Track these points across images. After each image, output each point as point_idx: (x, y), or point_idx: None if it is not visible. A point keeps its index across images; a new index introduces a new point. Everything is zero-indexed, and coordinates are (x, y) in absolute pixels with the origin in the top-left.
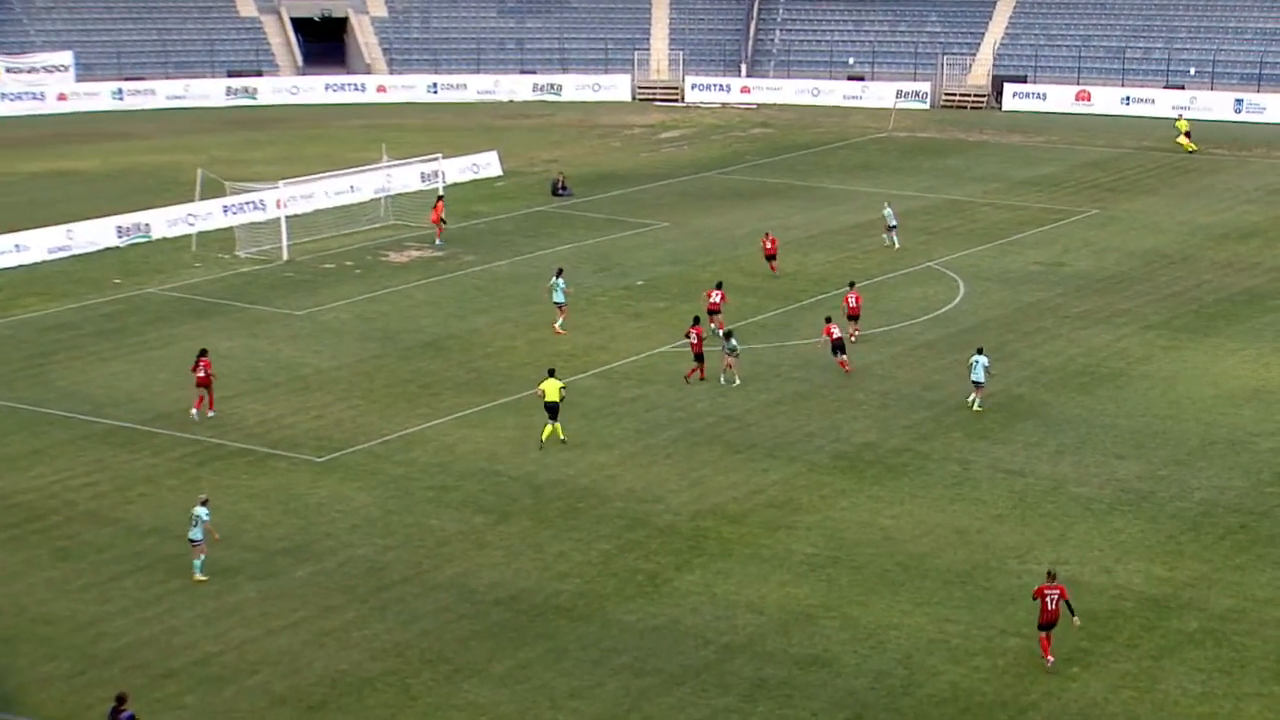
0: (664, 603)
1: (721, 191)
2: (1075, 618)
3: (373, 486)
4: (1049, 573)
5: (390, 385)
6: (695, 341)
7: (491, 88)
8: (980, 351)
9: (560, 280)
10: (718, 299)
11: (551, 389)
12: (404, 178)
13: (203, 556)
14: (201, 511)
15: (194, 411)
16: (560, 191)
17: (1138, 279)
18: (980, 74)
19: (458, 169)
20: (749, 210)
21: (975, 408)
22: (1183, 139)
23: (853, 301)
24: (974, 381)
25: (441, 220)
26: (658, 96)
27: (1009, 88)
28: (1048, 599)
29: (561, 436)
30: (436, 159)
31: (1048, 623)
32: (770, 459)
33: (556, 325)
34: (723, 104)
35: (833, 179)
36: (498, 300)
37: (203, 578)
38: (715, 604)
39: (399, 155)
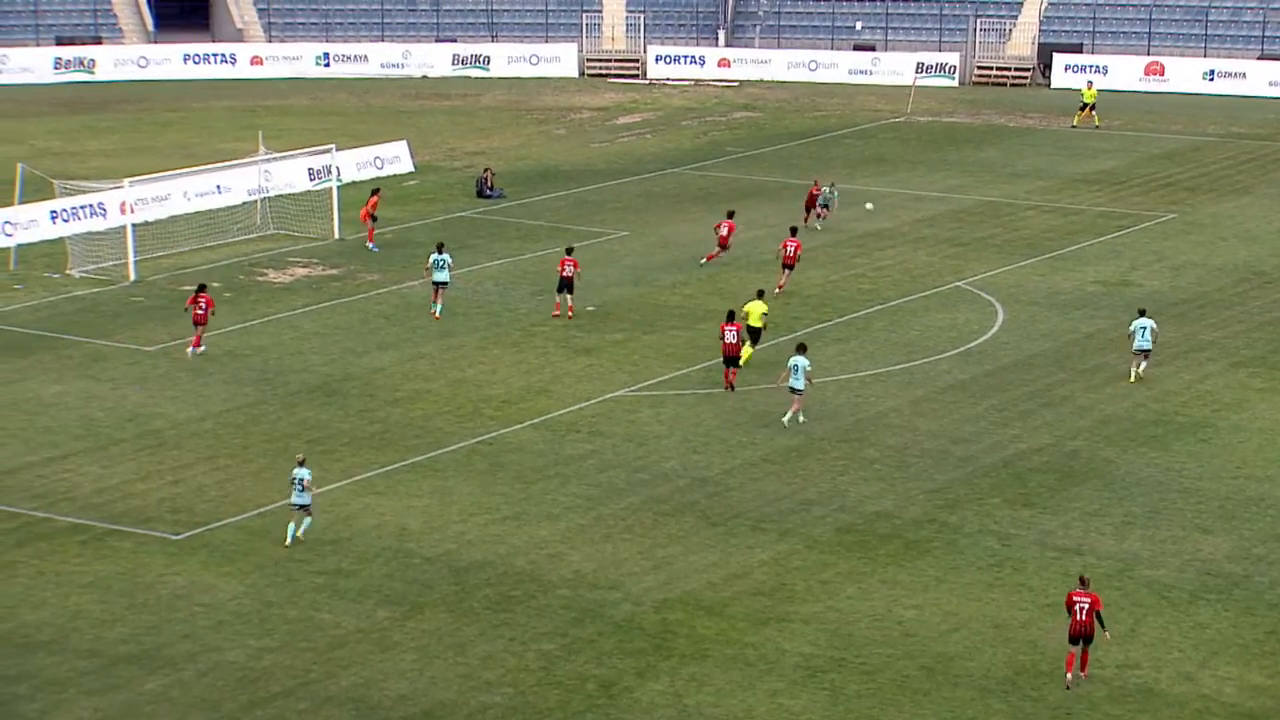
0: (622, 719)
1: (695, 192)
2: (1105, 632)
3: (246, 572)
4: (1081, 578)
5: (269, 441)
6: (731, 341)
7: (400, 60)
8: (801, 350)
9: (444, 255)
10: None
11: (755, 312)
12: (287, 175)
13: (309, 520)
14: (303, 473)
15: (189, 350)
16: (488, 192)
17: (1226, 302)
18: (1023, 42)
19: (357, 163)
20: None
21: (787, 422)
22: (1085, 113)
23: (791, 250)
24: (791, 389)
25: (372, 217)
26: (612, 71)
27: (1060, 59)
28: (1078, 608)
29: (747, 360)
30: (329, 151)
31: (1077, 635)
32: (757, 533)
33: (435, 311)
34: (695, 81)
35: (837, 175)
36: (409, 331)
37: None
38: None
39: (280, 147)
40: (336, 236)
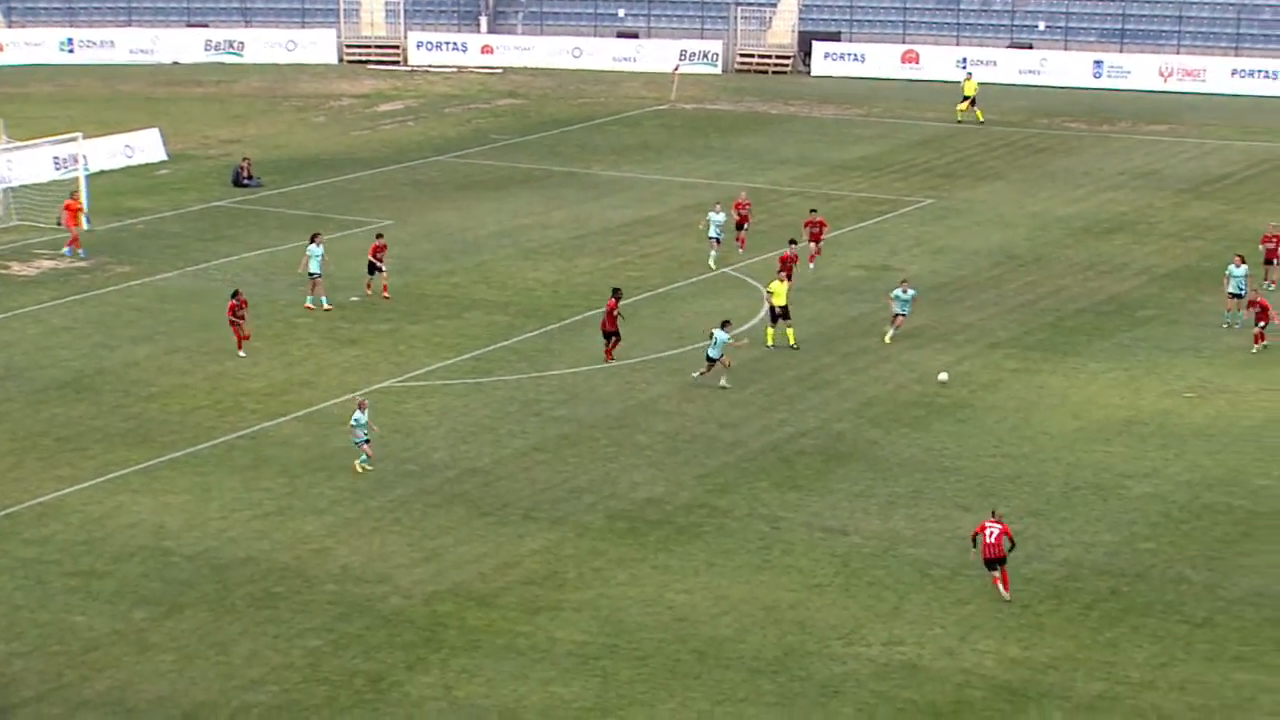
0: (391, 714)
1: (460, 180)
2: (1013, 549)
3: None
4: (993, 511)
5: (16, 439)
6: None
7: (149, 45)
8: (724, 325)
9: (319, 247)
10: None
11: (779, 291)
12: (30, 165)
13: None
14: (360, 415)
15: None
16: (245, 181)
17: (982, 285)
18: (783, 30)
19: (106, 152)
20: (496, 203)
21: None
22: (965, 105)
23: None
24: (708, 356)
25: (82, 217)
26: (372, 58)
27: (819, 47)
28: (988, 532)
29: (793, 342)
30: (75, 140)
31: (990, 559)
32: (528, 522)
33: (307, 302)
34: (458, 68)
35: (602, 163)
36: (164, 325)
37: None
38: (458, 712)
39: (23, 136)
40: (86, 227)
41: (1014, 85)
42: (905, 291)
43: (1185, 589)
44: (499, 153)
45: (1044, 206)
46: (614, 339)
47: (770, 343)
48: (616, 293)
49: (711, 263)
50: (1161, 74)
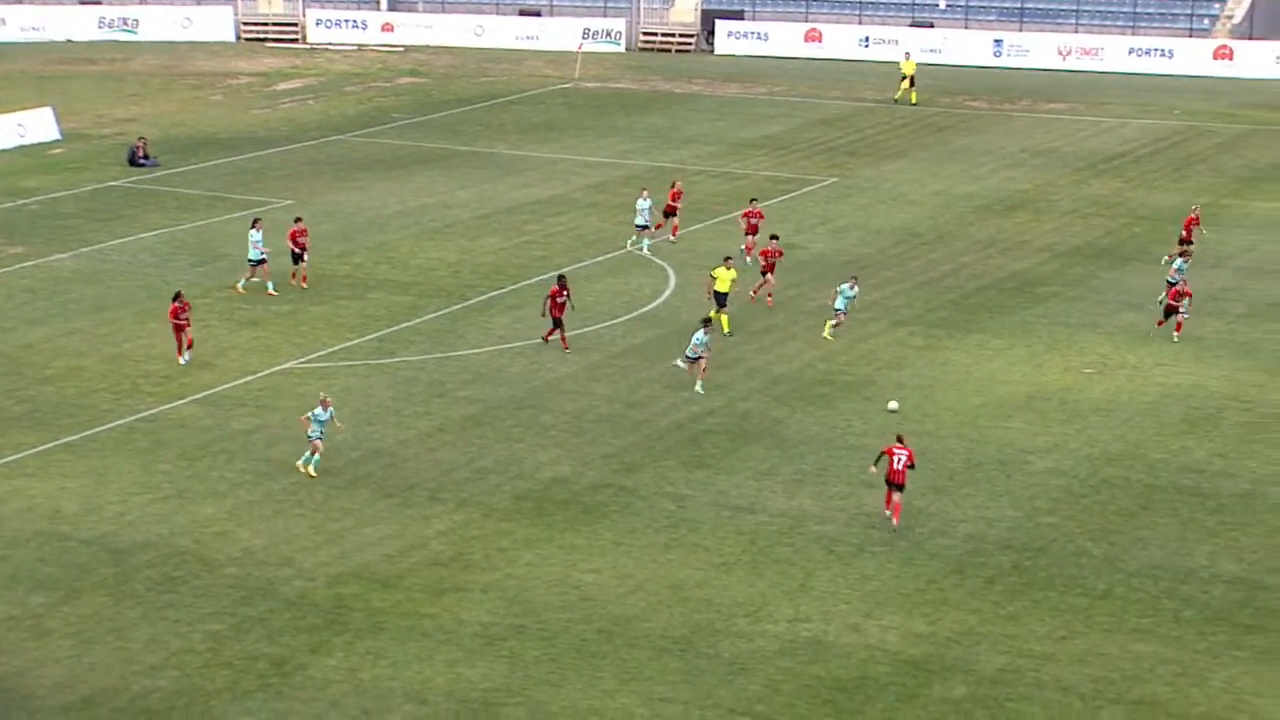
0: (295, 697)
1: (361, 160)
2: (912, 469)
3: None
4: (898, 437)
5: None
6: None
7: (39, 23)
8: (704, 325)
9: (258, 233)
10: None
11: (724, 278)
12: None
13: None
14: (321, 412)
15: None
16: (141, 161)
17: (885, 263)
18: (686, 9)
19: None
20: (399, 183)
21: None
22: (905, 85)
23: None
24: (687, 356)
25: None
26: (270, 35)
27: (722, 26)
28: (895, 458)
29: (726, 329)
30: None
31: (892, 482)
32: (433, 504)
33: (238, 285)
34: (359, 46)
35: (505, 143)
36: (59, 306)
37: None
38: (363, 695)
39: None
40: None
41: (916, 64)
42: (852, 288)
43: (1085, 562)
44: (401, 132)
45: (946, 185)
46: (559, 326)
47: (727, 331)
48: (561, 280)
49: (644, 249)
50: (1060, 53)
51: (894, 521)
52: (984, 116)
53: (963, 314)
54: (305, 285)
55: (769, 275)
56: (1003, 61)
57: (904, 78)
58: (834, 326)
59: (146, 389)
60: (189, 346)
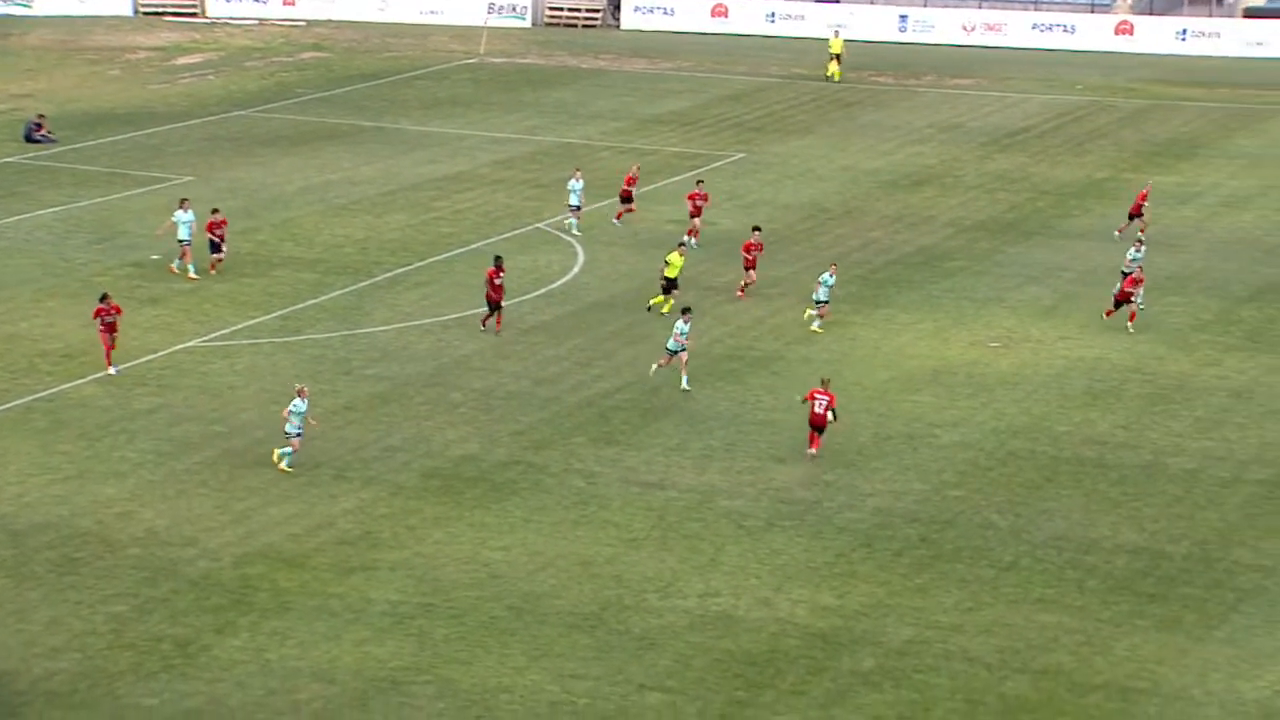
0: (200, 678)
1: (264, 135)
2: (835, 420)
3: None
4: (822, 380)
5: None
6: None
7: None
8: (684, 314)
9: (188, 213)
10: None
11: (676, 263)
12: None
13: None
14: (300, 403)
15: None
16: (38, 137)
17: (793, 239)
18: None
19: None
20: (303, 159)
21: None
22: (834, 65)
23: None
24: (669, 349)
25: None
26: (169, 9)
27: (629, 1)
28: (817, 402)
29: (665, 311)
30: None
31: (814, 424)
32: (340, 482)
33: (173, 266)
34: (259, 20)
35: (411, 118)
36: None
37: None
38: (269, 675)
39: None
40: None
41: (821, 39)
42: (832, 276)
43: (991, 534)
44: (304, 107)
45: (853, 160)
46: (498, 310)
47: (665, 312)
48: (498, 261)
49: (575, 230)
50: (964, 28)
51: (811, 450)
52: (890, 92)
53: (870, 289)
54: (215, 271)
55: (751, 271)
56: (908, 37)
57: (833, 56)
58: (819, 318)
59: (44, 368)
60: (113, 349)
